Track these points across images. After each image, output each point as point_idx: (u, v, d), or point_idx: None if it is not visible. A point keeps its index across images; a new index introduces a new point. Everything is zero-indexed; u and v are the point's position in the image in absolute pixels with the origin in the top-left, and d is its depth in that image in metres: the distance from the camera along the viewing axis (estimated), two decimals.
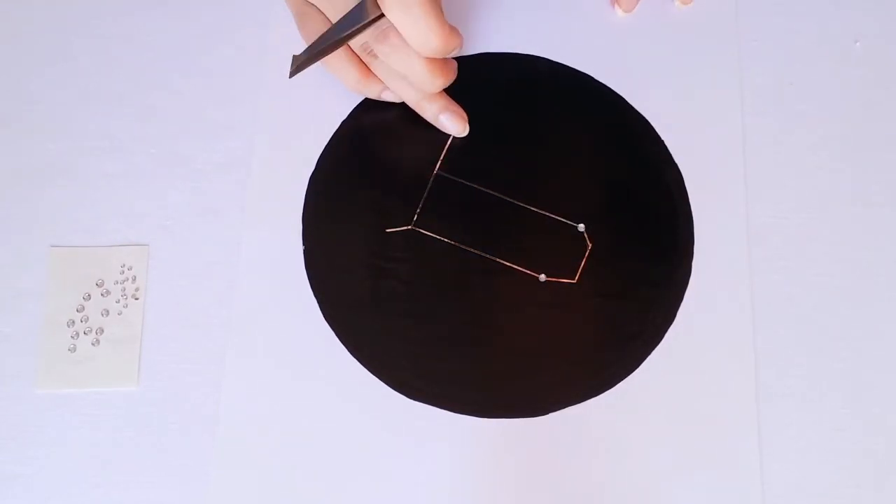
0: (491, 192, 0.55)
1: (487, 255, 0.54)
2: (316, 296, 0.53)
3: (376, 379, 0.52)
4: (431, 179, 0.56)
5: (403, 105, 0.56)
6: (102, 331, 0.53)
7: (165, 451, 0.51)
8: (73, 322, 0.53)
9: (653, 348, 0.52)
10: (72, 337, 0.53)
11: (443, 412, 0.51)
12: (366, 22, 0.50)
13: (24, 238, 0.54)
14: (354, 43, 0.52)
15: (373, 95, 0.55)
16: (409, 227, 0.55)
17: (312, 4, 0.54)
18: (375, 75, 0.54)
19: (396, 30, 0.50)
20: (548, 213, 0.55)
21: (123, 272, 0.54)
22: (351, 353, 0.52)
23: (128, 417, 0.51)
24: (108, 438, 0.51)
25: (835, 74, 0.58)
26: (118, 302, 0.53)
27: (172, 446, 0.51)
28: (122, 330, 0.53)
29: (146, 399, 0.51)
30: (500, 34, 0.59)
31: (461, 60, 0.57)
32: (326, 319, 0.53)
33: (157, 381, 0.52)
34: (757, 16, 0.59)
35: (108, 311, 0.53)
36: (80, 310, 0.53)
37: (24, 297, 0.53)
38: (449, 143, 0.56)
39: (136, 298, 0.53)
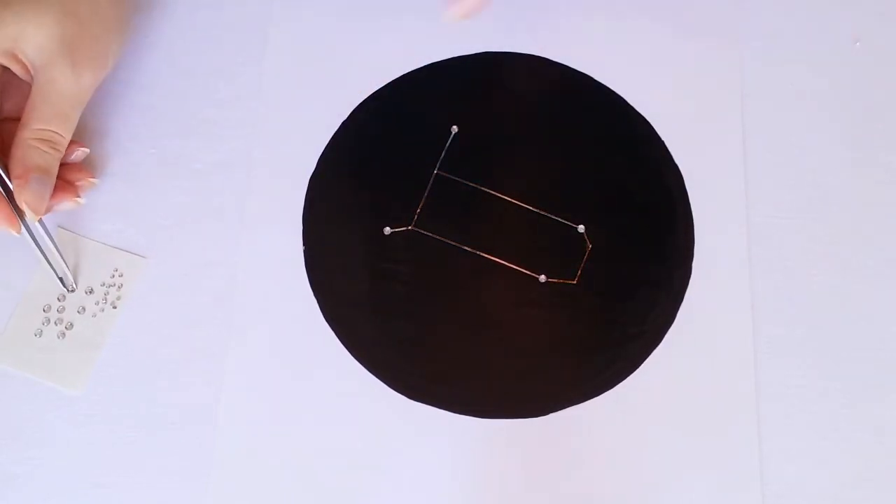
0: (491, 192, 0.55)
1: (487, 256, 0.54)
2: (316, 296, 0.53)
3: (376, 379, 0.52)
4: (431, 179, 0.56)
5: (402, 106, 0.56)
6: (72, 326, 0.52)
7: (165, 450, 0.51)
8: (49, 308, 0.53)
9: (653, 348, 0.52)
10: (42, 323, 0.52)
11: (443, 412, 0.51)
12: None
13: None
14: None
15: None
16: (409, 227, 0.55)
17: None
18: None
19: None
20: (548, 214, 0.55)
21: (113, 277, 0.53)
22: (351, 353, 0.52)
23: (127, 416, 0.51)
24: (107, 438, 0.51)
25: (835, 74, 0.58)
26: (97, 304, 0.53)
27: (172, 446, 0.51)
28: (89, 333, 0.52)
29: (146, 399, 0.51)
30: (500, 34, 0.59)
31: (461, 59, 0.57)
32: (326, 320, 0.53)
33: (158, 381, 0.52)
34: (757, 16, 0.59)
35: (83, 309, 0.53)
36: (61, 299, 0.53)
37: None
38: (449, 143, 0.56)
39: (115, 308, 0.53)
